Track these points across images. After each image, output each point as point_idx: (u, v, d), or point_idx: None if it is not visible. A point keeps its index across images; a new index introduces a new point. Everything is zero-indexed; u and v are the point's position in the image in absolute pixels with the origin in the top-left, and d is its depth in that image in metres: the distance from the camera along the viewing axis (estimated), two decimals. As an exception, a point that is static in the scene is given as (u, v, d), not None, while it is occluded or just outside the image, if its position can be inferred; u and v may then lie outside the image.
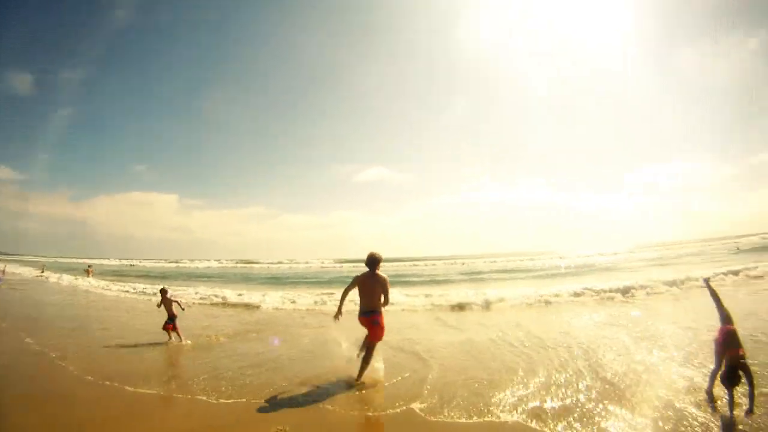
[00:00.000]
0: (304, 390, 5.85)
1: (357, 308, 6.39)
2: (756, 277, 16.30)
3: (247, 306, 15.10)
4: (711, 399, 4.87)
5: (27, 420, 4.98)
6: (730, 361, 4.54)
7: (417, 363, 7.12)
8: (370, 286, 6.26)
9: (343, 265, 54.26)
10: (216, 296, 17.01)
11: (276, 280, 30.39)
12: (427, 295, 14.67)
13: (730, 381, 4.49)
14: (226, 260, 67.79)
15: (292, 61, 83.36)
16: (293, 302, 15.21)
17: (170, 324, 9.52)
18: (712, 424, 4.36)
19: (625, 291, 13.52)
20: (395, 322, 10.31)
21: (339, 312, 6.48)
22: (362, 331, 6.51)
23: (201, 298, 16.98)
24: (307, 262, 62.46)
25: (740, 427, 4.29)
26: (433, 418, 4.82)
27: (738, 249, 37.01)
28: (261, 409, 5.21)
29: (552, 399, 5.18)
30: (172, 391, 6.04)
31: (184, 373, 7.09)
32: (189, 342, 9.39)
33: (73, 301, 18.25)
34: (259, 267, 55.49)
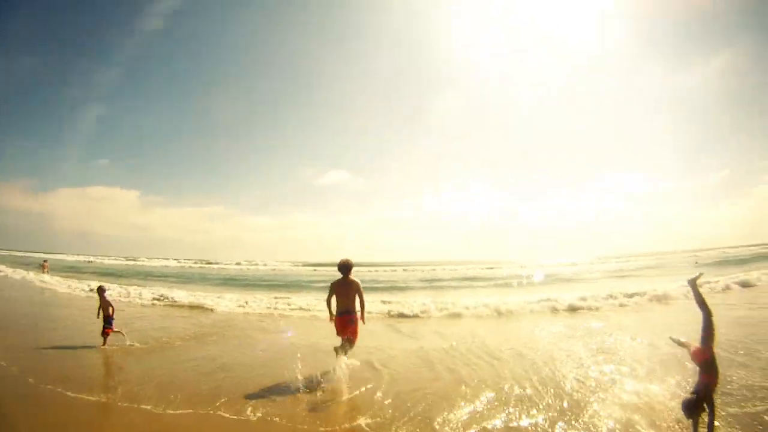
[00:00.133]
0: (254, 401, 5.69)
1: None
2: (724, 290, 16.43)
3: (204, 308, 14.75)
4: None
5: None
6: (704, 390, 4.14)
7: (370, 373, 7.04)
8: (345, 290, 7.05)
9: (302, 268, 53.67)
10: (171, 297, 16.58)
11: (234, 282, 29.78)
12: (384, 302, 14.64)
13: (693, 411, 4.13)
14: (185, 259, 66.06)
15: (255, 62, 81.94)
16: (250, 305, 14.98)
17: (108, 328, 9.11)
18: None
19: (586, 302, 13.64)
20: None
21: (331, 316, 7.20)
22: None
23: (155, 299, 16.52)
24: (265, 264, 61.52)
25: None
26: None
27: (696, 263, 37.49)
28: (208, 421, 5.06)
29: (504, 417, 5.10)
30: (117, 399, 5.80)
31: (132, 379, 6.80)
32: (136, 344, 9.07)
33: (24, 297, 17.47)
34: (217, 267, 54.26)
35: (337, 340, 7.28)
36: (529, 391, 5.98)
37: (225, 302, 15.32)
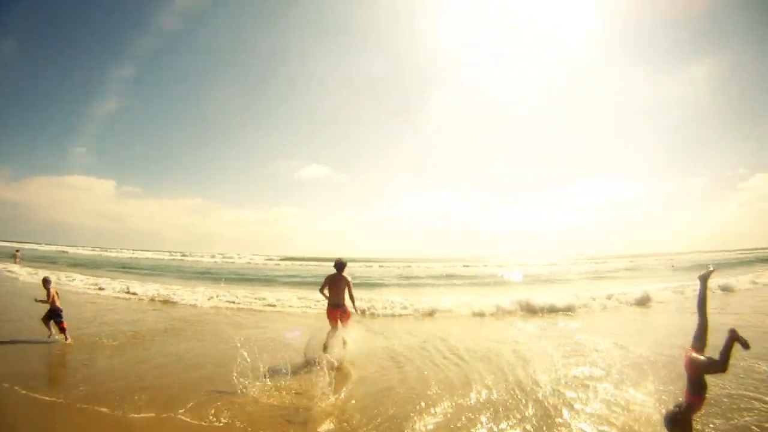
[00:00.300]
0: (221, 403, 5.44)
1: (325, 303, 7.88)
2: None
3: (176, 302, 14.41)
4: None
5: None
6: (686, 409, 3.96)
7: (340, 374, 6.80)
8: (338, 285, 7.78)
9: (282, 263, 53.09)
10: (144, 290, 16.18)
11: (211, 275, 29.19)
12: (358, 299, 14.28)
13: (674, 425, 3.97)
14: (162, 251, 64.93)
15: (237, 53, 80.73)
16: (224, 300, 14.61)
17: (62, 321, 8.64)
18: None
19: (562, 303, 13.47)
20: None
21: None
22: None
23: (127, 292, 16.12)
24: (239, 256, 60.85)
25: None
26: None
27: (673, 266, 38.19)
28: (169, 427, 4.82)
29: (474, 424, 4.97)
30: (75, 399, 5.50)
31: (96, 377, 6.49)
32: (70, 341, 8.57)
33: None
34: (194, 260, 53.43)
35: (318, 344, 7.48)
36: (500, 395, 5.83)
37: (198, 296, 14.94)
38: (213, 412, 5.16)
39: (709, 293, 4.24)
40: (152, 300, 14.83)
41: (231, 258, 57.65)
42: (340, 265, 7.89)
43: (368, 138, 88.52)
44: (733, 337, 3.77)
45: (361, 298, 12.27)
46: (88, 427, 4.78)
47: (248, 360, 6.36)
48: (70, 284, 18.15)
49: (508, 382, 6.33)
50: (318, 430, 4.82)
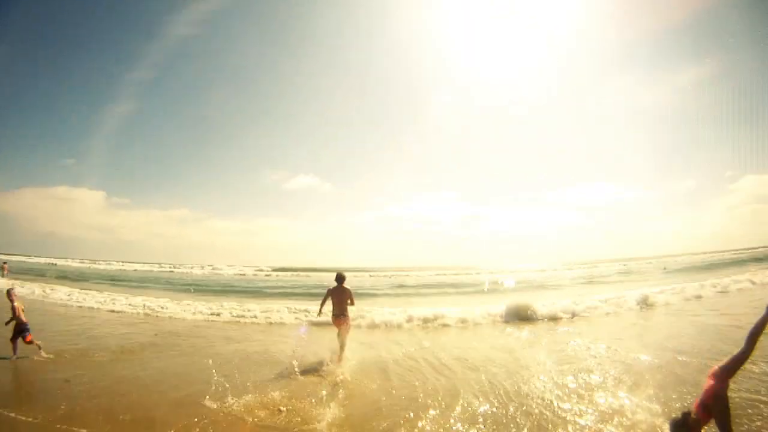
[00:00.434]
0: (208, 420, 5.25)
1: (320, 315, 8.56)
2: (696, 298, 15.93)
3: (166, 315, 14.15)
4: None
5: None
6: (696, 424, 3.74)
7: (328, 388, 6.65)
8: (340, 295, 8.32)
9: (272, 273, 52.62)
10: (133, 303, 15.91)
11: (200, 287, 28.79)
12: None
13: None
14: (152, 263, 64.35)
15: (226, 65, 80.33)
16: (217, 313, 14.29)
17: (28, 334, 8.25)
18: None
19: (556, 309, 13.24)
20: (313, 338, 10.05)
21: (320, 312, 8.51)
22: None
23: (117, 305, 15.76)
24: (229, 266, 60.28)
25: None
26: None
27: (665, 269, 38.04)
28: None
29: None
30: (55, 419, 5.26)
31: (80, 395, 6.22)
32: (51, 355, 8.34)
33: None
34: (183, 272, 52.87)
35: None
36: (494, 407, 5.70)
37: (187, 309, 14.70)
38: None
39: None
40: (141, 313, 14.53)
41: (220, 269, 57.07)
42: (340, 277, 8.45)
43: (354, 147, 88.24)
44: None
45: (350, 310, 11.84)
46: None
47: (237, 376, 6.17)
48: (57, 297, 17.79)
49: (501, 394, 6.17)
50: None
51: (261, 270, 57.26)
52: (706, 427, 3.76)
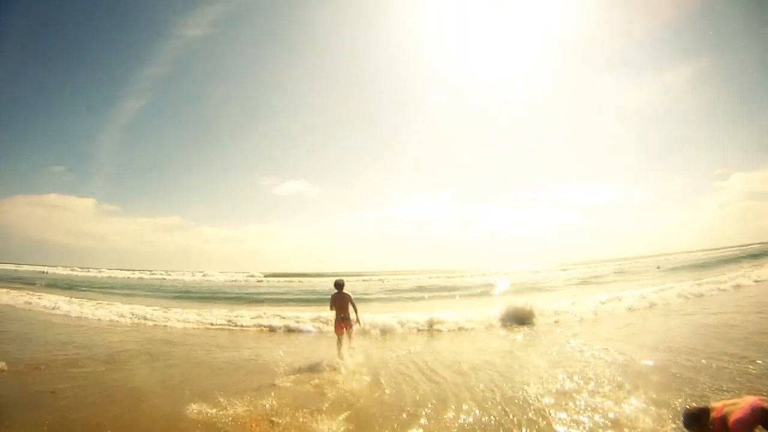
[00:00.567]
0: None
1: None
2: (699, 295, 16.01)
3: (156, 323, 13.94)
4: None
5: None
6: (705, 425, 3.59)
7: (318, 399, 6.49)
8: (341, 301, 9.00)
9: (264, 280, 52.29)
10: (125, 311, 15.65)
11: (191, 294, 28.48)
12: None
13: (693, 423, 3.69)
14: (143, 270, 63.80)
15: (217, 69, 79.77)
16: (208, 321, 14.05)
17: None
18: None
19: (549, 311, 13.14)
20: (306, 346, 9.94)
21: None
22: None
23: (106, 313, 15.43)
24: (222, 272, 59.87)
25: None
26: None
27: (658, 267, 38.16)
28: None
29: None
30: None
31: (65, 408, 6.00)
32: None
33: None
34: (174, 279, 52.39)
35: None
36: (488, 414, 5.59)
37: (178, 317, 14.49)
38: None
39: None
40: (131, 321, 14.31)
41: (212, 275, 56.64)
42: (339, 284, 9.14)
43: (344, 151, 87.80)
44: None
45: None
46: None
47: (229, 386, 6.04)
48: (45, 305, 17.46)
49: (495, 400, 6.06)
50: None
51: (252, 276, 56.95)
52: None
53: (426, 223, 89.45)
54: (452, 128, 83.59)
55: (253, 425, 5.39)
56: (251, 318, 14.03)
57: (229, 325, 13.56)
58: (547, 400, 5.91)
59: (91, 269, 63.67)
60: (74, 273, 57.73)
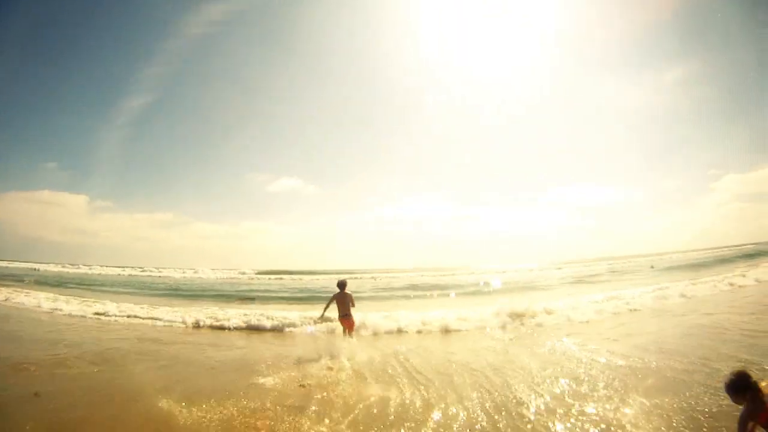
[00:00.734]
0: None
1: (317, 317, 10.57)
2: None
3: (149, 321, 13.80)
4: None
5: None
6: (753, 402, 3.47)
7: (301, 399, 6.38)
8: (343, 299, 9.82)
9: (256, 277, 52.06)
10: (113, 309, 15.47)
11: (183, 292, 28.25)
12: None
13: (738, 392, 3.57)
14: (135, 267, 63.37)
15: (210, 67, 79.20)
16: (201, 319, 13.81)
17: None
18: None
19: (541, 310, 13.08)
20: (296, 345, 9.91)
21: (321, 317, 10.26)
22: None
23: (96, 313, 15.17)
24: (213, 270, 59.58)
25: None
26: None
27: (652, 267, 38.11)
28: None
29: None
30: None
31: (48, 410, 5.84)
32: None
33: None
34: (167, 276, 52.06)
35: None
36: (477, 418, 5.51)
37: (171, 315, 14.33)
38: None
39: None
40: (123, 319, 14.16)
41: (204, 273, 56.34)
42: (342, 284, 10.01)
43: (339, 149, 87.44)
44: None
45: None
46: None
47: (219, 386, 5.93)
48: (34, 303, 17.26)
49: (486, 402, 5.98)
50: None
51: (244, 273, 56.75)
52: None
53: (425, 223, 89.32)
54: (451, 128, 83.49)
55: (241, 426, 5.28)
56: (239, 317, 13.76)
57: (220, 323, 13.35)
58: (539, 402, 5.84)
59: (82, 266, 63.22)
60: (65, 270, 57.25)
